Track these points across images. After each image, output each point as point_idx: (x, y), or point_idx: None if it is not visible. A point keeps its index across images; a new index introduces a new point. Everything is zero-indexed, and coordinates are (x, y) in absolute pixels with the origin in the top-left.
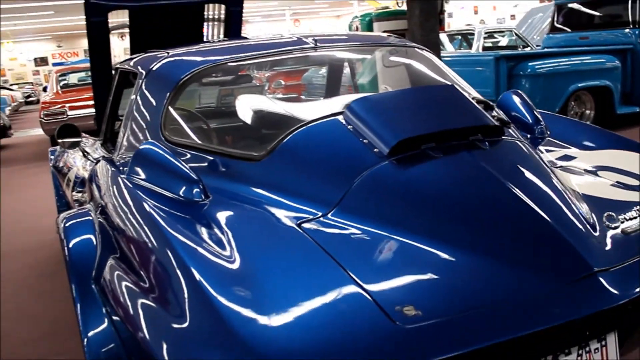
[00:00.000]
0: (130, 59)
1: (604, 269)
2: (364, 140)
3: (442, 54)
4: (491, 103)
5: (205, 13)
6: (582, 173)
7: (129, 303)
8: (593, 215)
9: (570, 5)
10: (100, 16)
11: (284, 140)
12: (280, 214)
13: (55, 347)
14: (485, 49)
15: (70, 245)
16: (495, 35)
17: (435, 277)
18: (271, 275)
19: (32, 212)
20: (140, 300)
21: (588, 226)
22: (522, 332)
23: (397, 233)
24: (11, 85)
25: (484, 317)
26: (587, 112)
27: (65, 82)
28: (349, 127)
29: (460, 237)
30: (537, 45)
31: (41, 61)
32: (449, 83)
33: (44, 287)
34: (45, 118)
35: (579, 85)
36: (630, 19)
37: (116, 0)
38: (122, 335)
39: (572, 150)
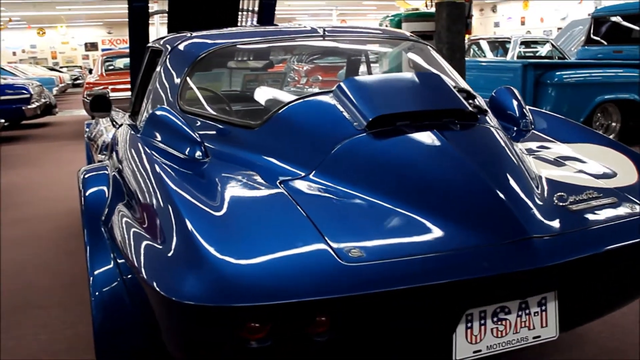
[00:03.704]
0: (160, 39)
1: (539, 236)
2: (347, 115)
3: (476, 59)
4: (474, 93)
5: (241, 4)
6: (551, 160)
7: (130, 242)
8: (545, 193)
9: (606, 18)
10: (141, 2)
11: (278, 112)
12: (267, 173)
13: (72, 295)
14: (520, 58)
15: (86, 194)
16: (533, 45)
17: (386, 228)
18: (246, 220)
19: (67, 182)
20: (141, 243)
21: (534, 200)
22: (451, 279)
23: (363, 192)
24: (61, 67)
25: (420, 262)
26: (613, 124)
27: (111, 65)
28: (336, 103)
29: (413, 199)
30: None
31: (91, 46)
32: (437, 72)
33: (70, 246)
34: (88, 98)
35: (606, 97)
36: None
37: None
38: (124, 274)
39: (550, 143)
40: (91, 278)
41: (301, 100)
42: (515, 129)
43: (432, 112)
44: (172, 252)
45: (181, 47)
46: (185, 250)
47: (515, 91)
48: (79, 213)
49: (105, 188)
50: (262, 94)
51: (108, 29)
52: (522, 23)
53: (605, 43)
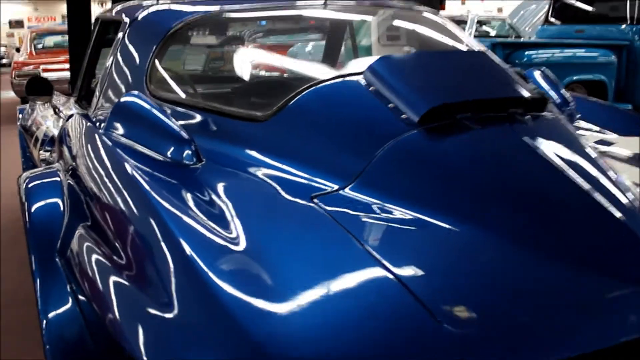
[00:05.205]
0: (114, 7)
1: None
2: (389, 105)
3: None
4: (525, 75)
5: None
6: (625, 160)
7: (100, 281)
8: None
9: None
10: None
11: (294, 99)
12: (288, 185)
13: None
14: (475, 37)
15: (33, 209)
16: (487, 24)
17: (483, 271)
18: (284, 259)
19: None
20: (114, 279)
21: None
22: (598, 347)
23: (433, 215)
24: None
25: (549, 326)
26: None
27: (40, 43)
28: (370, 88)
29: (508, 225)
30: (529, 38)
31: (16, 24)
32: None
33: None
34: (17, 79)
35: (574, 78)
36: (627, 15)
37: None
38: (89, 318)
39: (608, 135)
40: (44, 321)
41: (323, 84)
42: None
43: (494, 102)
44: (174, 312)
45: (146, 17)
46: (196, 311)
47: (550, 73)
48: (12, 212)
49: (59, 201)
50: (261, 70)
51: (34, 5)
52: (463, 3)
53: (566, 22)
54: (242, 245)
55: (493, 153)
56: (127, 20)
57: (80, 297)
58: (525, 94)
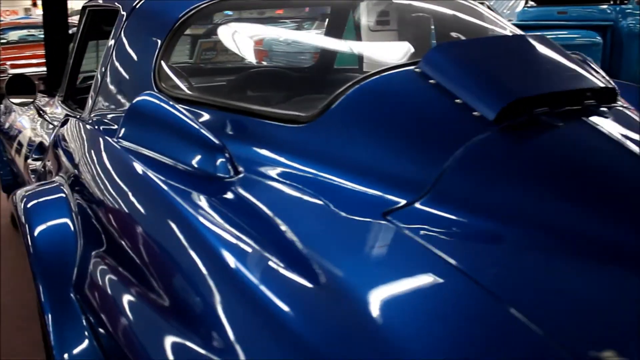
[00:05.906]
0: None
1: None
2: (456, 101)
3: None
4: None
5: None
6: None
7: (127, 318)
8: None
9: None
10: None
11: (342, 96)
12: (350, 200)
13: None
14: None
15: (36, 233)
16: None
17: (580, 288)
18: (370, 291)
19: None
20: (144, 314)
21: None
22: None
23: (527, 229)
24: None
25: None
26: None
27: (4, 39)
28: (430, 82)
29: (619, 239)
30: (509, 19)
31: None
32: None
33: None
34: None
35: None
36: None
37: None
38: (108, 351)
39: None
40: None
41: (374, 77)
42: None
43: (569, 93)
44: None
45: (146, 5)
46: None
47: (588, 59)
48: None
49: (68, 222)
50: (281, 53)
51: None
52: None
53: (546, 4)
54: (318, 277)
55: (585, 155)
56: (123, 10)
57: (101, 331)
58: (599, 83)
